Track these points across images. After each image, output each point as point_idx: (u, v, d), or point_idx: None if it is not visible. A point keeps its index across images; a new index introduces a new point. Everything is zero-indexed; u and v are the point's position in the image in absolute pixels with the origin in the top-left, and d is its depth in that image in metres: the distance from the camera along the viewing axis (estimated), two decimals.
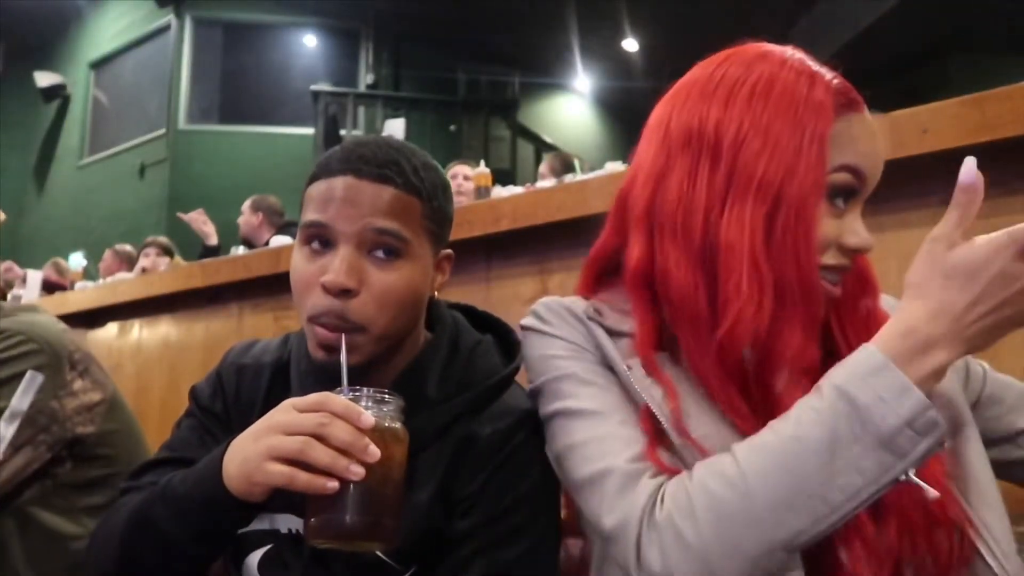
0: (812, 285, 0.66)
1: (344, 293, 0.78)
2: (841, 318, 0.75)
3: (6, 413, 1.11)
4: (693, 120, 0.71)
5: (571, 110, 9.70)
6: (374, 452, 0.66)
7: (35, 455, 1.16)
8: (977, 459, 0.72)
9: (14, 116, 8.73)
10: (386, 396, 0.71)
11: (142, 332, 2.74)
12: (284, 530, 0.85)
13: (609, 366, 0.73)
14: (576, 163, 3.39)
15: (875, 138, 0.71)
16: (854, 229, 0.69)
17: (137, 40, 8.32)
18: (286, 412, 0.70)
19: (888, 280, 1.25)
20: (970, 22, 6.60)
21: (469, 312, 0.99)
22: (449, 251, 0.91)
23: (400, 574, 0.81)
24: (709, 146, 0.69)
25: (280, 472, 0.67)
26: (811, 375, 0.65)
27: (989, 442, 0.77)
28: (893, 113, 1.19)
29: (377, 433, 0.68)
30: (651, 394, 0.69)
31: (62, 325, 1.31)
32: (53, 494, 1.19)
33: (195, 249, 4.51)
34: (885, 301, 0.80)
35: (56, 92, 8.65)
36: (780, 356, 0.67)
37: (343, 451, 0.66)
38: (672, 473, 0.65)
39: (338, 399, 0.69)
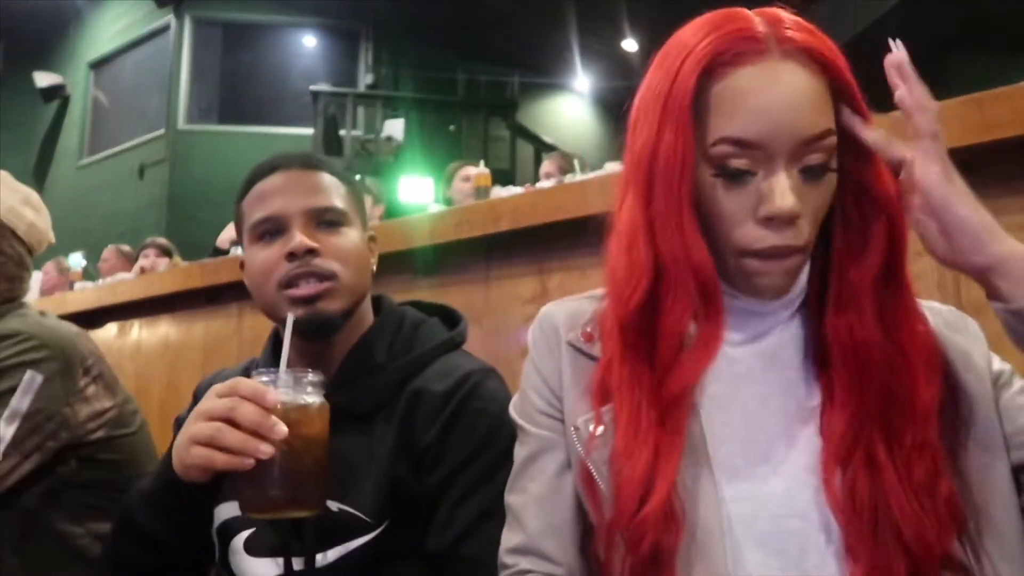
0: (698, 263, 0.62)
1: (309, 253, 0.87)
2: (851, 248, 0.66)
3: (6, 413, 1.10)
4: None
5: (570, 110, 9.70)
6: (280, 431, 0.71)
7: (43, 460, 1.15)
8: (1000, 498, 0.61)
9: (14, 116, 8.71)
10: (307, 375, 0.76)
11: (142, 332, 2.73)
12: None
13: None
14: (576, 163, 3.39)
15: (774, 87, 0.59)
16: (768, 196, 0.59)
17: (136, 40, 8.32)
18: (208, 399, 0.76)
19: None
20: (970, 22, 6.60)
21: (416, 305, 1.06)
22: (373, 233, 1.00)
23: (372, 528, 0.84)
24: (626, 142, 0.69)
25: (201, 455, 0.73)
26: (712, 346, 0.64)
27: None
28: (893, 113, 1.19)
29: (288, 410, 0.73)
30: (592, 458, 0.66)
31: (76, 329, 1.30)
32: (57, 493, 1.19)
33: (195, 250, 4.51)
34: None
35: (56, 92, 8.64)
36: (662, 329, 0.64)
37: (255, 431, 0.71)
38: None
39: (247, 382, 0.74)
